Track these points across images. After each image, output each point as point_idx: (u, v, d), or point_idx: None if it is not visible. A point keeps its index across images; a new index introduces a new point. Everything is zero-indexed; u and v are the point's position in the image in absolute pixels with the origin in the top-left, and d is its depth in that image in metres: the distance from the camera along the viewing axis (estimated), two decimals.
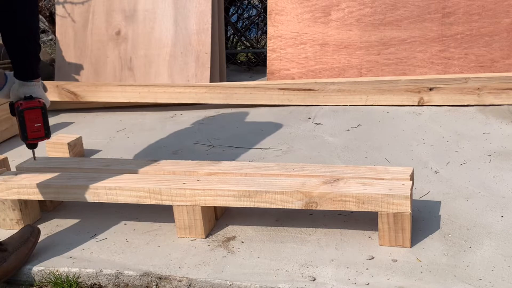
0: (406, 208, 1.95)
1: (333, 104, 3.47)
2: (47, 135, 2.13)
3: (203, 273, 1.94)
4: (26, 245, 2.06)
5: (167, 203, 2.15)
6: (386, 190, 1.98)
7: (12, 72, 2.12)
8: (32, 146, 2.19)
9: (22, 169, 2.45)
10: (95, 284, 2.01)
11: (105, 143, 3.22)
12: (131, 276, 1.98)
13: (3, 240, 2.06)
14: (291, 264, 1.96)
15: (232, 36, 5.10)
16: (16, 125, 3.44)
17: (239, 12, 5.11)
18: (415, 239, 2.03)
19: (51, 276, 2.01)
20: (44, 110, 2.10)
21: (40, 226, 2.27)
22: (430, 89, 3.33)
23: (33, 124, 2.10)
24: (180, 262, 2.02)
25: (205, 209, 2.15)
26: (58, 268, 2.03)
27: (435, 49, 3.49)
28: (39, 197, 2.27)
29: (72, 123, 3.62)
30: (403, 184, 2.02)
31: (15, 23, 1.97)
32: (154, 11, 3.89)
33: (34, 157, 2.31)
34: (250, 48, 5.02)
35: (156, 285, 1.96)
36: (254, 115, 3.45)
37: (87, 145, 3.14)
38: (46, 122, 2.12)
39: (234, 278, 1.90)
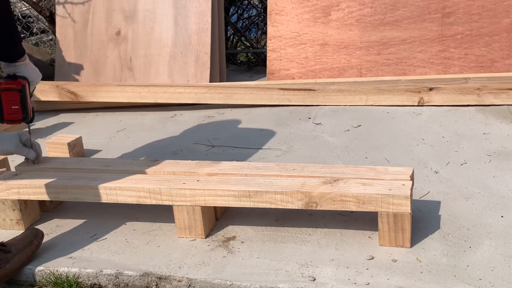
0: (406, 208, 1.95)
1: (333, 104, 3.47)
2: (24, 118, 2.04)
3: (203, 273, 1.94)
4: (30, 247, 2.06)
5: (167, 203, 2.15)
6: (386, 190, 1.98)
7: None
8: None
9: (22, 169, 2.45)
10: (95, 284, 2.01)
11: (105, 143, 3.22)
12: (131, 276, 1.98)
13: (7, 242, 2.07)
14: (291, 264, 1.96)
15: (232, 36, 5.09)
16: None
17: (239, 12, 5.11)
18: (415, 239, 2.03)
19: (51, 276, 2.01)
20: (22, 93, 2.01)
21: (40, 226, 2.27)
22: (430, 89, 3.33)
23: (10, 106, 2.01)
24: (180, 262, 2.02)
25: (205, 209, 2.15)
26: (58, 268, 2.03)
27: (435, 49, 3.49)
28: (39, 197, 2.27)
29: (72, 123, 3.62)
30: (403, 184, 2.02)
31: None
32: (154, 11, 3.89)
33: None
34: (250, 48, 5.02)
35: (156, 285, 1.96)
36: (254, 115, 3.45)
37: (87, 145, 3.14)
38: (24, 105, 2.02)
39: (234, 278, 1.90)
